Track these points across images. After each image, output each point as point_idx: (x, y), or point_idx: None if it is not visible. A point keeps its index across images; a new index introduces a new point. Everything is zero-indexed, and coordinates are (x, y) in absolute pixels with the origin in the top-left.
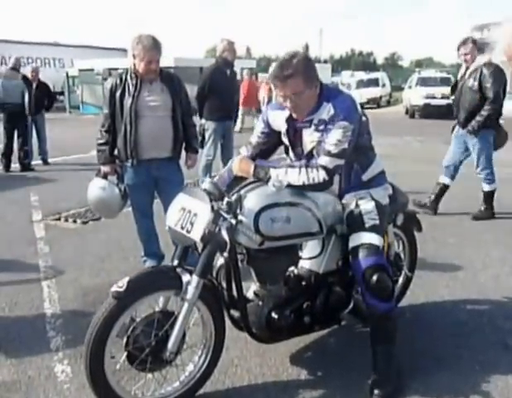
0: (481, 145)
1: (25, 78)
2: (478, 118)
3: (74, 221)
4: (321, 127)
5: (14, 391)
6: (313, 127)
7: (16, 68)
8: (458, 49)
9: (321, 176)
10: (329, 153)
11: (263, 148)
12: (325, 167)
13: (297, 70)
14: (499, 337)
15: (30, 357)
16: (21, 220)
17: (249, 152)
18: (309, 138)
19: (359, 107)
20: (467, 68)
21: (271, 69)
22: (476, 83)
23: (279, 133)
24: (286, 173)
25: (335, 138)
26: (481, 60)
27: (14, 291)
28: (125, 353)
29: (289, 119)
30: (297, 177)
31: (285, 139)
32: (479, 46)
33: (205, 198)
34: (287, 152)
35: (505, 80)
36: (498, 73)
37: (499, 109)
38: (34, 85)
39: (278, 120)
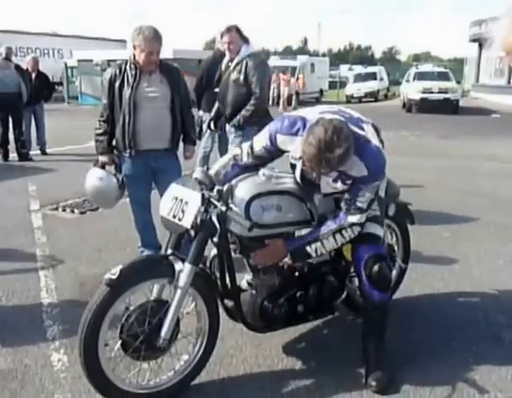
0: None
1: (18, 67)
2: (243, 112)
3: (72, 211)
4: (348, 181)
5: (10, 380)
6: (335, 174)
7: (8, 58)
8: (221, 37)
9: (356, 231)
10: (360, 210)
11: (262, 160)
12: (357, 224)
13: (336, 167)
14: (493, 330)
15: (26, 346)
16: (18, 210)
17: (249, 161)
18: (330, 182)
19: (384, 154)
20: (231, 59)
21: (269, 62)
22: (242, 76)
23: (284, 150)
24: (323, 245)
25: (367, 196)
26: (246, 51)
27: (11, 280)
28: (119, 341)
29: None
30: (335, 243)
31: (294, 161)
32: (243, 37)
33: (196, 187)
34: (292, 169)
35: (270, 74)
36: (263, 66)
37: (264, 104)
38: (33, 76)
39: (290, 146)
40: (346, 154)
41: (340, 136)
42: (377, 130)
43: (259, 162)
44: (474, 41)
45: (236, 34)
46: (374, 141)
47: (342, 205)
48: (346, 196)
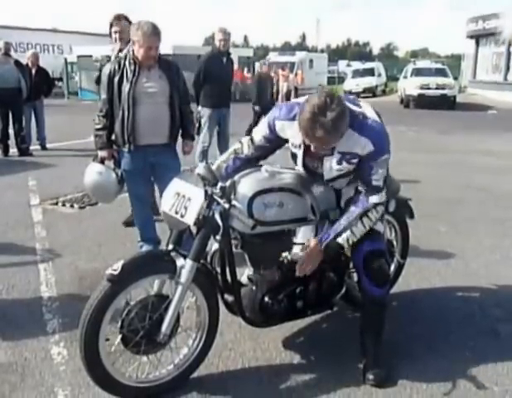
0: None
1: (17, 63)
2: None
3: (72, 206)
4: (354, 160)
5: (10, 373)
6: (338, 156)
7: (7, 53)
8: (111, 26)
9: (380, 211)
10: (378, 189)
11: (264, 150)
12: (380, 203)
13: (331, 131)
14: (490, 324)
15: (26, 339)
16: (18, 205)
17: (250, 153)
18: (333, 166)
19: (385, 128)
20: (121, 49)
21: (268, 57)
22: None
23: (284, 139)
24: (353, 233)
25: (380, 173)
26: None
27: (11, 274)
28: (120, 336)
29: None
30: (364, 228)
31: (294, 149)
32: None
33: (199, 183)
34: (293, 160)
35: None
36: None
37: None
38: (33, 71)
39: (288, 131)
40: (340, 118)
41: (333, 100)
42: (378, 115)
43: (260, 153)
44: (471, 37)
45: (126, 22)
46: (373, 116)
47: (359, 188)
48: (360, 177)
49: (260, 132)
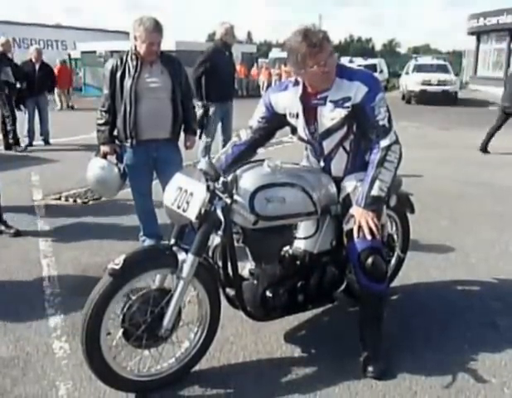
0: None
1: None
2: None
3: (75, 201)
4: (347, 103)
5: (12, 367)
6: (331, 104)
7: None
8: None
9: (397, 150)
10: (386, 129)
11: (262, 133)
12: (392, 143)
13: (323, 33)
14: (488, 317)
15: (28, 334)
16: (22, 200)
17: (249, 137)
18: (329, 114)
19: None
20: None
21: (271, 54)
22: None
23: (281, 116)
24: (382, 180)
25: (383, 111)
26: None
27: (14, 269)
28: (121, 330)
29: (303, 97)
30: (389, 171)
31: (292, 120)
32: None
33: (201, 178)
34: (293, 133)
35: None
36: None
37: None
38: (37, 67)
39: (283, 102)
40: (327, 35)
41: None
42: None
43: (258, 135)
44: (472, 34)
45: None
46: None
47: (370, 135)
48: (366, 124)
49: (257, 114)
